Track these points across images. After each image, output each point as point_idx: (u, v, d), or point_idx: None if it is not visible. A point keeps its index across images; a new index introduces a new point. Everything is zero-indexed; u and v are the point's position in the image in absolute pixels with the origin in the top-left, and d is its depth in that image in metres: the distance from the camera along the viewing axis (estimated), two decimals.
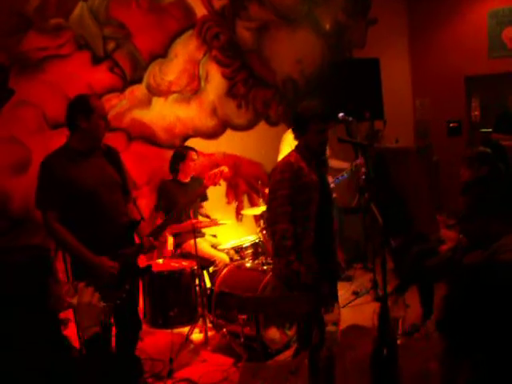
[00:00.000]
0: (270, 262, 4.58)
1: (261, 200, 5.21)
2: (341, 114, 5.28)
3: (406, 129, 7.55)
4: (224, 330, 4.28)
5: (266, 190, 5.42)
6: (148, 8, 5.06)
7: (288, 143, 5.29)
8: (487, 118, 7.35)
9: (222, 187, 5.82)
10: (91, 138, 3.29)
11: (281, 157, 5.33)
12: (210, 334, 4.44)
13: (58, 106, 4.58)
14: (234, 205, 5.89)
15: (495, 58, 7.10)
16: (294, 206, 3.25)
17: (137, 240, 3.49)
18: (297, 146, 3.40)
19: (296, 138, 3.41)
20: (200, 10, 5.45)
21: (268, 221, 3.37)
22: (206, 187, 4.04)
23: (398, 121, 7.09)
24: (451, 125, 7.51)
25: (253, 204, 5.96)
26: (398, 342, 2.09)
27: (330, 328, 2.16)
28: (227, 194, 5.82)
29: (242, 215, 5.83)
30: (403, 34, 7.60)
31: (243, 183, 5.93)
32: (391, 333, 1.98)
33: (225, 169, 4.08)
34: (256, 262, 4.72)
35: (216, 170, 4.02)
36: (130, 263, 3.41)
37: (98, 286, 2.16)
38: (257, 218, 5.78)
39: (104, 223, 3.30)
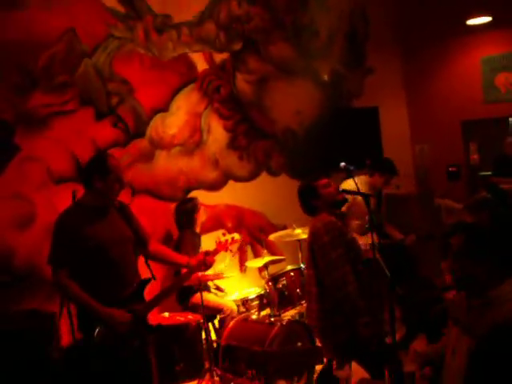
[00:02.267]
0: (277, 313, 4.56)
1: (265, 251, 5.21)
2: (342, 164, 5.30)
3: (407, 176, 7.59)
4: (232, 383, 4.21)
5: (269, 238, 5.50)
6: (151, 64, 5.18)
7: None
8: (486, 162, 7.43)
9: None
10: (104, 197, 3.33)
11: None
12: None
13: (62, 162, 4.66)
14: (237, 256, 5.86)
15: (490, 102, 7.24)
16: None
17: (147, 297, 3.48)
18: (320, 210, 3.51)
19: (315, 209, 3.53)
20: (201, 65, 5.57)
21: (332, 287, 3.32)
22: (217, 252, 4.05)
23: (398, 167, 7.14)
24: (450, 169, 7.57)
25: (256, 254, 5.94)
26: None
27: None
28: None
29: (246, 267, 5.80)
30: (399, 82, 7.76)
31: (246, 234, 5.92)
32: None
33: (236, 235, 4.11)
34: (262, 313, 4.69)
35: (228, 237, 4.05)
36: (140, 319, 3.39)
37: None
38: (260, 269, 5.75)
39: (115, 279, 3.31)
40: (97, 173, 3.28)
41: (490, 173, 7.15)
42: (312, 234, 3.46)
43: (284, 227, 6.23)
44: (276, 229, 6.11)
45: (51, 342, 1.90)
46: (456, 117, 7.42)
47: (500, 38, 7.12)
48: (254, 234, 5.99)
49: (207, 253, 3.69)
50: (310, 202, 3.60)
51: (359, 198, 4.04)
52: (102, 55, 4.89)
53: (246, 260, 5.87)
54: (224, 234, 3.99)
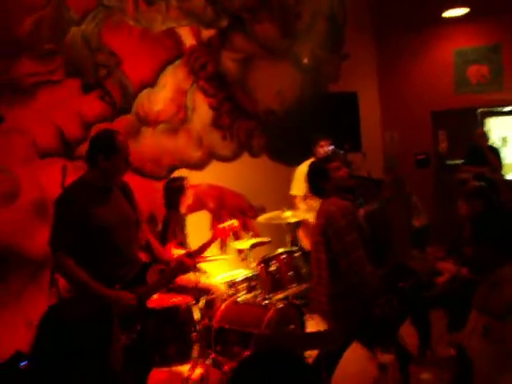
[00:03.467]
0: (270, 297, 4.53)
1: (251, 233, 5.17)
2: (331, 147, 5.35)
3: (376, 161, 7.71)
4: (226, 367, 4.15)
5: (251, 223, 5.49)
6: (139, 36, 4.98)
7: (299, 177, 5.40)
8: (454, 151, 7.64)
9: (205, 220, 5.73)
10: (108, 177, 3.15)
11: (295, 191, 5.43)
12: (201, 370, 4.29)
13: (47, 135, 4.42)
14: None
15: (461, 93, 7.43)
16: None
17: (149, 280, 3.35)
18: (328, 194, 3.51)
19: (323, 191, 3.53)
20: (189, 40, 5.41)
21: (348, 270, 3.35)
22: (215, 239, 3.95)
23: (369, 153, 7.24)
24: (418, 157, 7.74)
25: (237, 237, 5.88)
26: None
27: None
28: (212, 227, 5.72)
29: (227, 248, 5.73)
30: (373, 69, 7.83)
31: (227, 216, 5.85)
32: None
33: (234, 222, 4.03)
34: (251, 295, 4.64)
35: (226, 224, 3.97)
36: (143, 303, 3.28)
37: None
38: (240, 250, 5.70)
39: (119, 261, 3.17)
40: (103, 152, 3.08)
41: (458, 161, 7.37)
42: (326, 219, 3.43)
43: (262, 209, 6.21)
44: (255, 210, 6.07)
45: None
46: (427, 106, 7.58)
47: (473, 31, 7.32)
48: (234, 215, 5.92)
49: (189, 254, 3.59)
50: (319, 183, 3.59)
51: None
52: (90, 24, 4.65)
53: (227, 242, 5.80)
54: (221, 222, 3.92)
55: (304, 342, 3.16)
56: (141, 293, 3.24)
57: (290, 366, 1.46)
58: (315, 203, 5.27)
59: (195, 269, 4.75)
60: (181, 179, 4.86)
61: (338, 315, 3.41)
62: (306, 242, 5.50)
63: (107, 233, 3.09)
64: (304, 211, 5.22)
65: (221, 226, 3.90)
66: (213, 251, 5.33)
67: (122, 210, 3.26)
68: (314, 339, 3.10)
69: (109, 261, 3.11)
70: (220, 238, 3.92)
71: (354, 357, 3.48)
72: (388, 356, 2.28)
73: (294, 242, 5.51)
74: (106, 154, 3.07)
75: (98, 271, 3.05)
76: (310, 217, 5.28)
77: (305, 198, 5.44)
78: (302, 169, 5.49)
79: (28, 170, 4.25)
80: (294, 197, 5.53)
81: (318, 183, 3.60)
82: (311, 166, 3.68)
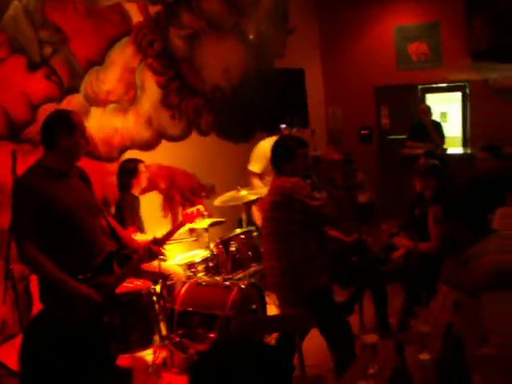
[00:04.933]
0: (230, 277, 4.53)
1: (205, 213, 5.09)
2: (283, 126, 5.34)
3: (321, 137, 7.80)
4: (191, 350, 4.12)
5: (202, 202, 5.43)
6: (85, 12, 4.74)
7: (260, 154, 5.32)
8: (396, 126, 7.83)
9: (157, 200, 5.63)
10: (70, 157, 3.06)
11: (253, 167, 5.35)
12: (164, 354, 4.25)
13: None
14: (170, 218, 5.70)
15: (403, 70, 7.59)
16: None
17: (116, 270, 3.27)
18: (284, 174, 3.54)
19: (282, 169, 3.55)
20: (136, 16, 5.21)
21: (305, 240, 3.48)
22: (183, 224, 3.88)
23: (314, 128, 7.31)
24: (362, 132, 7.89)
25: None
26: None
27: None
28: (163, 208, 5.62)
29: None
30: (316, 46, 7.86)
31: (178, 195, 5.76)
32: None
33: (200, 207, 3.98)
34: (212, 276, 4.62)
35: (193, 209, 3.91)
36: (110, 293, 3.19)
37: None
38: (191, 230, 5.64)
39: (84, 249, 3.08)
40: (61, 130, 3.00)
41: (400, 136, 7.57)
42: (283, 195, 3.44)
43: (212, 187, 6.16)
44: (205, 189, 6.02)
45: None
46: (369, 82, 7.70)
47: (414, 8, 7.46)
48: (185, 195, 5.84)
49: (155, 241, 3.51)
50: (282, 161, 3.58)
51: None
52: None
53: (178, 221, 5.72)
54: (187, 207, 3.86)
55: (277, 325, 3.19)
56: (110, 283, 3.16)
57: (251, 352, 1.45)
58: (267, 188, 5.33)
59: (162, 255, 4.69)
60: (135, 161, 4.73)
61: (289, 286, 3.48)
62: (258, 220, 5.52)
63: (70, 219, 3.00)
64: (259, 187, 5.18)
65: (188, 210, 3.84)
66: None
67: (84, 196, 3.17)
68: (287, 322, 3.13)
69: (72, 248, 3.02)
70: (188, 223, 3.85)
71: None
72: (373, 335, 2.32)
73: (250, 220, 5.51)
74: (66, 131, 3.00)
75: (62, 259, 2.95)
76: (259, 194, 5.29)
77: (262, 175, 5.41)
78: (263, 145, 5.37)
79: None
80: (251, 173, 5.45)
81: (280, 160, 3.60)
82: (282, 141, 3.67)
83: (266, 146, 5.35)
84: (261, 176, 5.39)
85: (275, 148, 3.65)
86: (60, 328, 1.61)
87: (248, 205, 5.35)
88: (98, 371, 1.63)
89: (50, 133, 3.04)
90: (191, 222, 3.80)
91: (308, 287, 3.46)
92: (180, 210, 5.83)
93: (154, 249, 3.40)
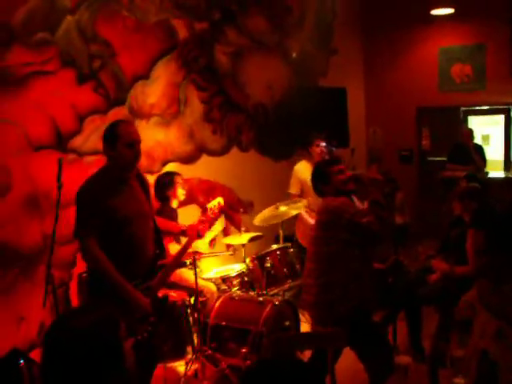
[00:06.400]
0: (265, 293, 4.54)
1: (243, 228, 5.16)
2: (323, 144, 5.37)
3: (361, 157, 7.78)
4: (222, 363, 4.15)
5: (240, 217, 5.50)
6: (134, 27, 4.88)
7: (297, 177, 5.48)
8: (436, 148, 7.75)
9: (195, 213, 5.68)
10: (120, 166, 3.14)
11: (291, 189, 5.45)
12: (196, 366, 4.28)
13: (41, 127, 4.31)
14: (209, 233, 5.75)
15: (445, 91, 7.53)
16: None
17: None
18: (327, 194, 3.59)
19: (324, 192, 3.61)
20: (182, 33, 5.33)
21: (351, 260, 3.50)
22: (210, 219, 3.93)
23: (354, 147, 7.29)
24: (402, 153, 7.83)
25: (225, 232, 5.86)
26: None
27: None
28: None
29: (215, 242, 5.71)
30: (359, 65, 7.87)
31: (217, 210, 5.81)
32: None
33: (220, 199, 4.02)
34: (245, 291, 4.64)
35: (214, 202, 3.95)
36: (156, 295, 3.27)
37: (127, 318, 2.01)
38: (228, 245, 5.69)
39: (138, 254, 3.18)
40: (107, 141, 3.13)
41: (440, 158, 7.49)
42: (329, 213, 3.46)
43: (251, 204, 6.20)
44: (244, 205, 6.06)
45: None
46: (411, 103, 7.67)
47: (459, 30, 7.41)
48: (224, 209, 5.89)
49: (202, 221, 3.68)
50: (320, 186, 3.64)
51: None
52: (84, 13, 4.53)
53: (216, 236, 5.77)
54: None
55: (310, 342, 3.19)
56: (153, 285, 3.23)
57: (295, 371, 1.47)
58: (311, 200, 5.37)
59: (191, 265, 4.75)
60: (172, 174, 4.82)
61: (325, 305, 3.46)
62: (300, 237, 5.53)
63: (128, 223, 3.09)
64: (300, 207, 5.23)
65: (210, 205, 3.90)
66: (205, 246, 5.32)
67: (140, 203, 3.26)
68: (320, 339, 3.12)
69: (126, 253, 3.10)
70: (212, 216, 3.87)
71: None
72: (406, 357, 2.30)
73: (288, 236, 5.54)
74: (108, 142, 3.12)
75: (116, 263, 3.03)
76: (304, 212, 5.32)
77: (299, 196, 5.48)
78: (298, 168, 5.57)
79: (20, 162, 4.13)
80: (290, 195, 5.55)
81: (319, 186, 3.68)
82: (315, 168, 3.74)
83: (298, 168, 5.53)
84: (299, 197, 5.46)
85: (312, 178, 3.74)
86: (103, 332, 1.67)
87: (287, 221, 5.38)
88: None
89: (102, 144, 3.17)
90: (215, 216, 3.80)
91: (345, 308, 3.42)
92: (218, 224, 5.89)
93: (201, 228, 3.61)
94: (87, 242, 3.00)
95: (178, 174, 4.83)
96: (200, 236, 3.72)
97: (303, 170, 5.44)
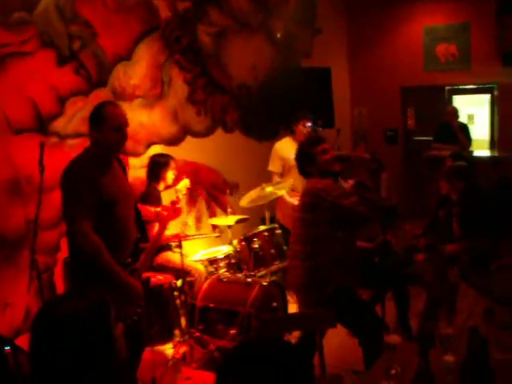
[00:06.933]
0: (252, 274, 4.53)
1: (229, 209, 5.12)
2: (308, 124, 5.32)
3: (345, 137, 7.75)
4: (211, 345, 4.13)
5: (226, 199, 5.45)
6: (114, 7, 4.77)
7: (278, 154, 5.43)
8: (421, 127, 7.75)
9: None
10: (104, 148, 3.08)
11: (271, 167, 5.40)
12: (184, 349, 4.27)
13: (21, 109, 4.21)
14: (193, 213, 5.72)
15: (430, 71, 7.50)
16: None
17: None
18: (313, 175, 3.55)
19: (309, 173, 3.56)
20: (164, 12, 5.23)
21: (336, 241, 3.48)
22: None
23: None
24: (388, 133, 7.82)
25: (211, 213, 5.83)
26: None
27: None
28: (187, 203, 5.63)
29: (202, 225, 5.68)
30: (343, 45, 7.81)
31: (202, 191, 5.78)
32: None
33: (187, 182, 4.34)
34: (232, 273, 4.62)
35: (182, 184, 4.09)
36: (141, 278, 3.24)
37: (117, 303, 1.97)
38: (214, 226, 5.66)
39: (123, 236, 3.13)
40: (93, 123, 3.06)
41: (425, 138, 7.49)
42: (314, 196, 3.43)
43: (236, 184, 6.16)
44: (229, 186, 6.02)
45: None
46: (396, 82, 7.64)
47: (444, 8, 7.36)
48: (209, 191, 5.86)
49: (173, 202, 3.69)
50: (305, 166, 3.61)
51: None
52: None
53: (201, 218, 5.74)
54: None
55: (298, 323, 3.18)
56: (138, 268, 3.20)
57: (281, 352, 1.45)
58: (292, 180, 5.34)
59: (177, 247, 4.71)
60: (168, 156, 4.78)
61: (312, 287, 3.46)
62: (281, 217, 5.52)
63: (113, 207, 3.04)
64: (286, 188, 5.21)
65: (177, 187, 3.98)
66: (191, 229, 5.29)
67: (124, 184, 3.23)
68: (309, 320, 3.11)
69: (113, 235, 3.04)
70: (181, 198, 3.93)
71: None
72: (395, 336, 2.30)
73: (273, 218, 5.52)
74: (95, 124, 3.05)
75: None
76: (286, 192, 5.29)
77: (281, 174, 5.45)
78: (278, 145, 5.51)
79: (0, 146, 4.06)
80: (272, 173, 5.51)
81: (304, 166, 3.64)
82: (299, 149, 3.70)
83: (280, 146, 5.48)
84: (281, 175, 5.43)
85: (296, 158, 3.69)
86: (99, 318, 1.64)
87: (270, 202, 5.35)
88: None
89: (89, 125, 3.10)
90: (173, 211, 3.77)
91: (331, 289, 3.43)
92: (203, 205, 5.85)
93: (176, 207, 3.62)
94: (83, 225, 2.89)
95: (173, 157, 4.79)
96: (177, 214, 3.69)
97: (286, 147, 5.39)
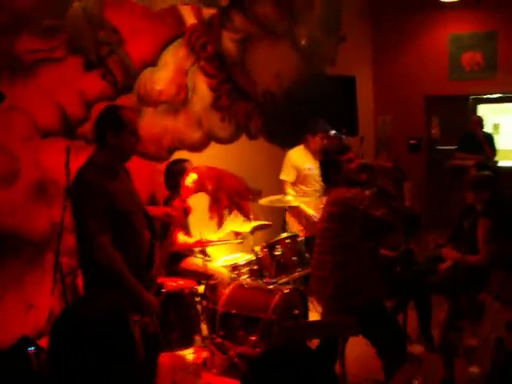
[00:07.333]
0: (274, 281, 4.53)
1: (251, 216, 5.14)
2: (333, 132, 5.32)
3: (369, 145, 7.72)
4: (231, 351, 4.13)
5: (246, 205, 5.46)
6: (141, 13, 4.84)
7: (291, 163, 5.44)
8: (445, 136, 7.68)
9: (203, 201, 5.66)
10: (119, 155, 3.02)
11: (283, 176, 5.38)
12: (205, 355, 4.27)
13: (49, 114, 4.29)
14: (216, 220, 5.73)
15: (455, 80, 7.44)
16: None
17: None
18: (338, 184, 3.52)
19: (335, 182, 3.53)
20: (190, 19, 5.29)
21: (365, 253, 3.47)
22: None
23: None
24: (411, 142, 7.77)
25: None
26: None
27: None
28: (210, 209, 5.65)
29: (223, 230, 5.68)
30: (368, 53, 7.79)
31: (225, 198, 5.79)
32: None
33: (195, 176, 3.95)
34: (254, 279, 4.63)
35: (190, 179, 3.93)
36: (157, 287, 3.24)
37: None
38: (236, 233, 5.66)
39: (137, 246, 3.09)
40: (110, 128, 2.94)
41: (449, 147, 7.42)
42: (343, 206, 3.40)
43: (259, 192, 6.16)
44: (252, 193, 6.02)
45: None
46: (420, 91, 7.59)
47: (469, 17, 7.30)
48: (232, 197, 5.86)
49: (181, 199, 3.54)
50: (330, 175, 3.57)
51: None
52: (91, 0, 4.50)
53: (223, 224, 5.75)
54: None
55: (322, 330, 3.17)
56: (153, 276, 3.18)
57: (306, 359, 1.45)
58: (306, 188, 5.35)
59: (202, 253, 4.73)
60: (183, 161, 4.79)
61: (341, 298, 3.42)
62: (294, 227, 5.49)
63: (127, 217, 2.97)
64: (293, 196, 5.22)
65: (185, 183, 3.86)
66: (212, 234, 5.30)
67: (134, 193, 3.18)
68: (331, 327, 3.11)
69: (128, 246, 2.98)
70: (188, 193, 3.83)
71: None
72: (418, 346, 2.28)
73: (284, 226, 5.52)
74: (114, 129, 2.93)
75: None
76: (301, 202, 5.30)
77: (294, 183, 5.44)
78: (292, 154, 5.52)
79: (28, 149, 4.12)
80: (283, 182, 5.50)
81: (329, 174, 3.60)
82: (323, 157, 3.65)
83: (293, 155, 5.46)
84: (293, 184, 5.44)
85: (321, 166, 3.65)
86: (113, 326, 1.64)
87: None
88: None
89: (100, 130, 2.99)
90: (184, 211, 3.70)
91: (364, 300, 3.39)
92: (226, 212, 5.86)
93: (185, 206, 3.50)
94: (102, 239, 2.82)
95: (186, 160, 4.80)
96: (187, 213, 3.65)
97: (299, 156, 5.40)
